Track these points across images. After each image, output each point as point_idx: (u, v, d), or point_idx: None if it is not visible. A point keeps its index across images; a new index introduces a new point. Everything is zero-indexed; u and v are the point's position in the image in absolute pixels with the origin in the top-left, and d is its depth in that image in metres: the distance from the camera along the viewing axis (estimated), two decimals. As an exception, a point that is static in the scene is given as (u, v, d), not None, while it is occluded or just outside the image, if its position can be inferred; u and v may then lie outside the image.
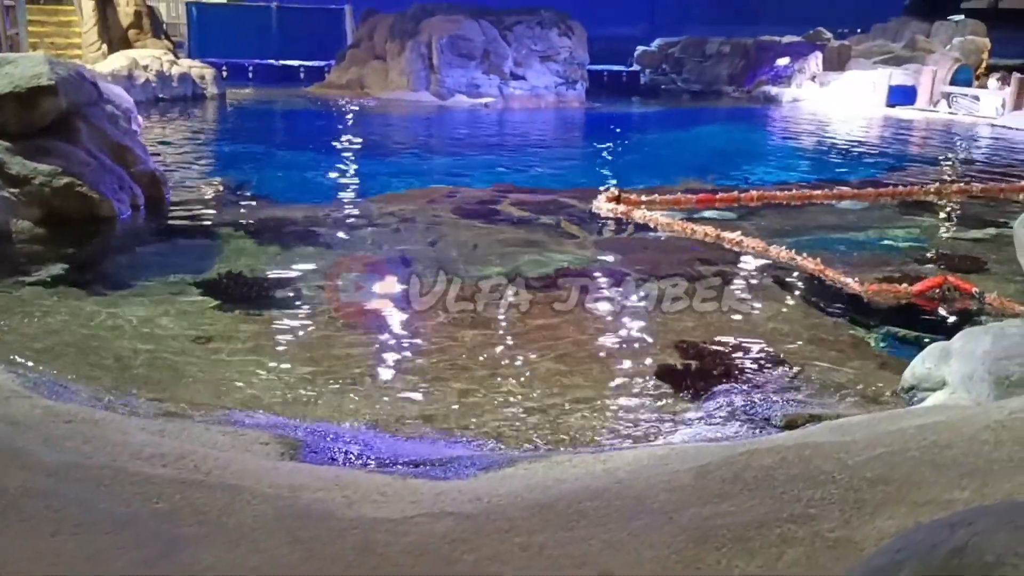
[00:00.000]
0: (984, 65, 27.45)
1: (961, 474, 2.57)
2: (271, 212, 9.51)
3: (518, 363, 5.48)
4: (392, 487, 3.08)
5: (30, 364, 4.88)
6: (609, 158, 16.34)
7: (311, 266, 7.47)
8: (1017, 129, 19.25)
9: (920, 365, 4.69)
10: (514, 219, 9.58)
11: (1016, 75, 21.94)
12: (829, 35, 29.66)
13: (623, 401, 4.99)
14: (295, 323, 6.03)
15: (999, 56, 28.52)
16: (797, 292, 7.28)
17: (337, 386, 4.93)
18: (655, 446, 3.81)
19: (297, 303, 6.48)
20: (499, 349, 5.71)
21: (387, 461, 3.67)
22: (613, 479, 3.05)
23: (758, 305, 6.88)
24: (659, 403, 4.92)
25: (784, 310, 6.84)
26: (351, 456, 3.68)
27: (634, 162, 15.86)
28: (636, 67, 31.55)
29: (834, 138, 19.24)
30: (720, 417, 4.63)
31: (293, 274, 7.19)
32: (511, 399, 4.90)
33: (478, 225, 9.23)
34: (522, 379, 5.20)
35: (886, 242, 9.41)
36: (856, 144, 18.34)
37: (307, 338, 5.75)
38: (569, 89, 23.63)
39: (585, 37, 24.28)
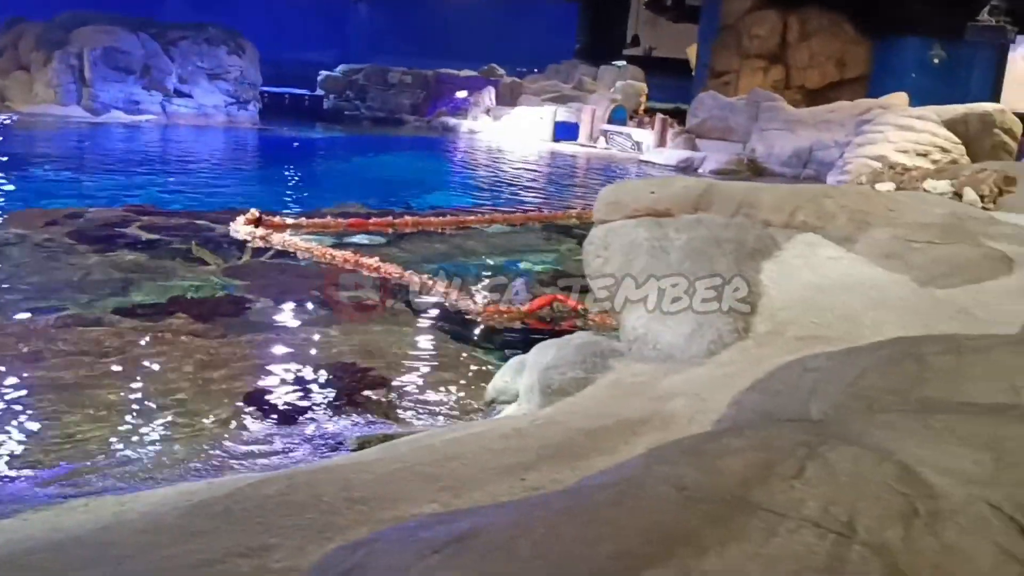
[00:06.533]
0: (642, 107, 30.22)
1: (442, 487, 2.53)
2: None
3: (107, 394, 5.08)
4: None
5: None
6: (273, 181, 15.83)
7: None
8: (658, 163, 21.38)
9: (499, 378, 4.82)
10: (140, 242, 8.87)
11: (659, 115, 24.41)
12: (502, 71, 31.25)
13: (205, 428, 4.70)
14: None
15: (655, 99, 31.66)
16: (429, 317, 7.32)
17: None
18: (191, 484, 3.50)
19: None
20: (91, 382, 5.21)
21: None
22: (100, 526, 2.70)
23: (383, 329, 6.84)
24: (240, 431, 4.66)
25: (411, 334, 6.85)
26: None
27: (299, 185, 15.53)
28: (320, 92, 31.19)
29: (502, 168, 20.17)
30: (297, 443, 4.44)
31: None
32: (91, 430, 4.53)
33: (95, 250, 8.41)
34: (110, 409, 4.85)
35: (523, 265, 9.85)
36: (520, 174, 19.35)
37: None
38: (241, 110, 22.71)
39: (257, 57, 23.50)
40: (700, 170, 20.31)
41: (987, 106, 16.52)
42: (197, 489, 3.17)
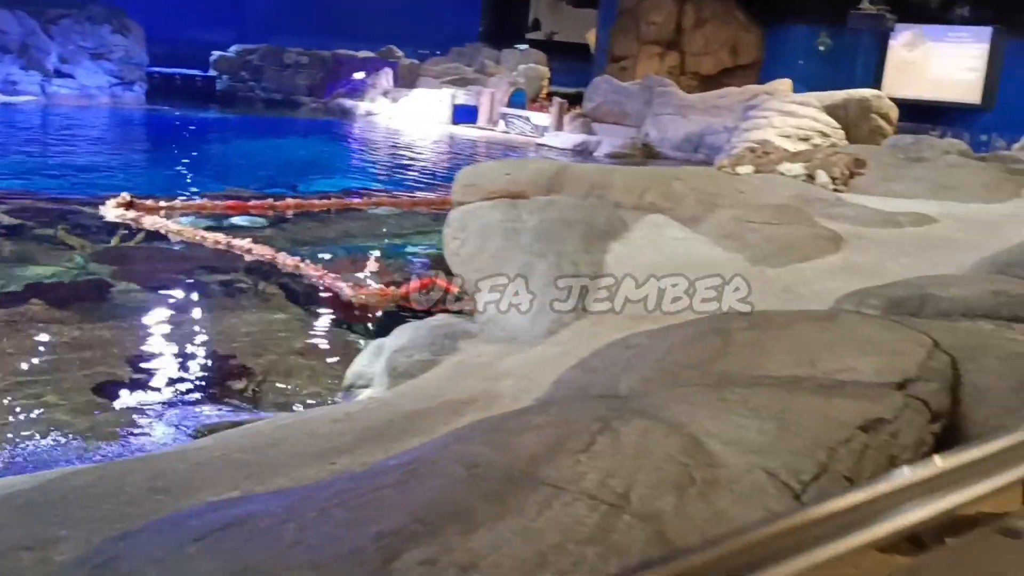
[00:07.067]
0: (545, 91, 30.24)
1: (250, 474, 2.49)
2: None
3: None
4: None
5: None
6: (157, 164, 15.30)
7: None
8: (555, 147, 21.51)
9: (359, 363, 4.77)
10: (2, 227, 8.47)
11: (556, 99, 24.54)
12: (401, 53, 30.85)
13: (52, 418, 4.52)
14: None
15: (558, 84, 31.70)
16: (301, 300, 7.19)
17: None
18: (14, 477, 3.36)
19: None
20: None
21: None
22: None
23: (255, 315, 6.70)
24: (87, 421, 4.51)
25: (283, 319, 6.72)
26: None
27: (185, 168, 15.00)
28: (213, 73, 30.17)
29: (398, 151, 19.97)
30: (146, 433, 4.32)
31: None
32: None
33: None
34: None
35: (410, 249, 9.78)
36: (416, 157, 19.21)
37: None
38: (126, 90, 21.84)
39: (143, 36, 22.61)
40: (596, 153, 20.54)
41: (865, 92, 17.19)
42: (16, 482, 3.05)
